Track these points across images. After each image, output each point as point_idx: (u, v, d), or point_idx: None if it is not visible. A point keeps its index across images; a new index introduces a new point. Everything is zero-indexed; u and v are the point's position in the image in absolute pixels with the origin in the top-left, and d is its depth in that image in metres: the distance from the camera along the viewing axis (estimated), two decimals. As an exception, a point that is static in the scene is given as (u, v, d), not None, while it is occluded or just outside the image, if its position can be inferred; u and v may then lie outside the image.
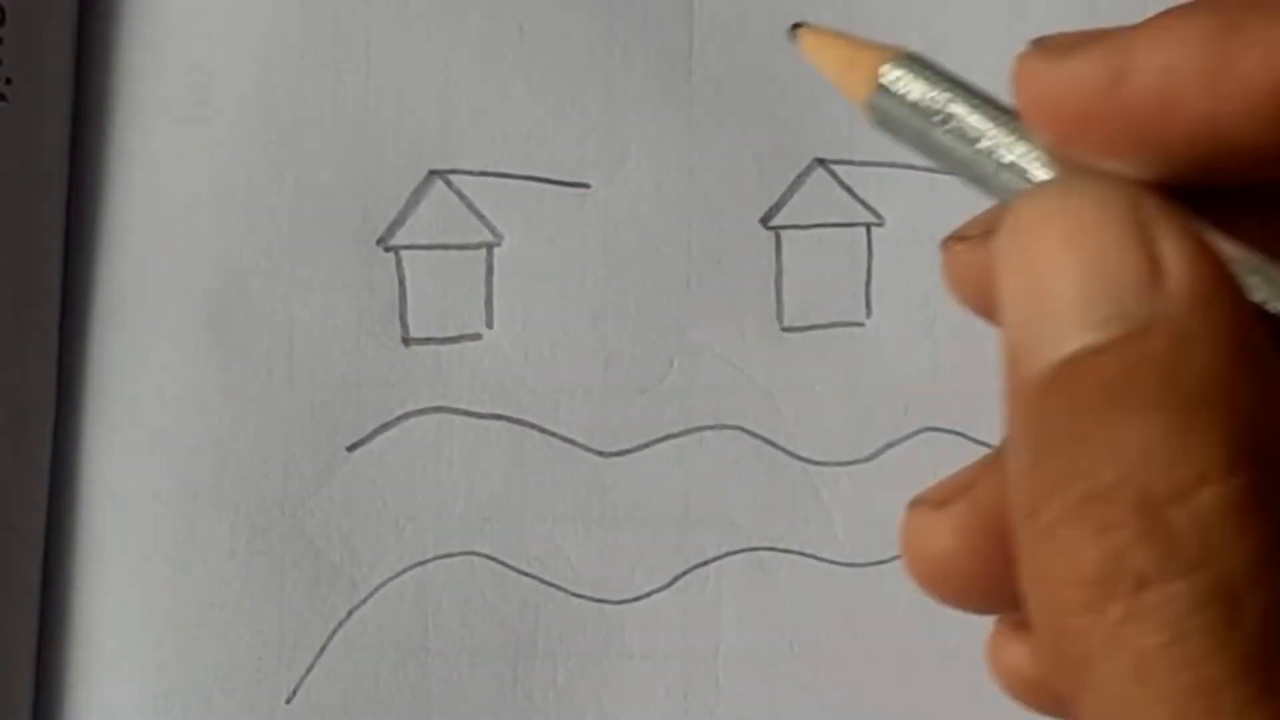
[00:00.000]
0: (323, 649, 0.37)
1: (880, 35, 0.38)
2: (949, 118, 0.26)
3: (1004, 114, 0.26)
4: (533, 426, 0.38)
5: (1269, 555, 0.21)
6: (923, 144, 0.26)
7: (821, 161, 0.39)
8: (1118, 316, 0.23)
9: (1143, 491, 0.21)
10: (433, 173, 0.39)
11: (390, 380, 0.38)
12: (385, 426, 0.38)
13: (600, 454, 0.38)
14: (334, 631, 0.37)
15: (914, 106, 0.27)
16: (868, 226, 0.39)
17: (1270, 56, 0.23)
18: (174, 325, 0.38)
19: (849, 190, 0.39)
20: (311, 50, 0.39)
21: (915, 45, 0.33)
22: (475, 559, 0.38)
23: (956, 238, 0.28)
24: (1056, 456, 0.22)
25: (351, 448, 0.38)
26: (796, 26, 0.29)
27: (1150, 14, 0.38)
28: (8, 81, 0.37)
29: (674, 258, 0.38)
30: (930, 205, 0.38)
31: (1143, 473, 0.21)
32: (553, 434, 0.38)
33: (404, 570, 0.38)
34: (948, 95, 0.26)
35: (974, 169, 0.26)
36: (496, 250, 0.39)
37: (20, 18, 0.37)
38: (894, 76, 0.27)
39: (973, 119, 0.26)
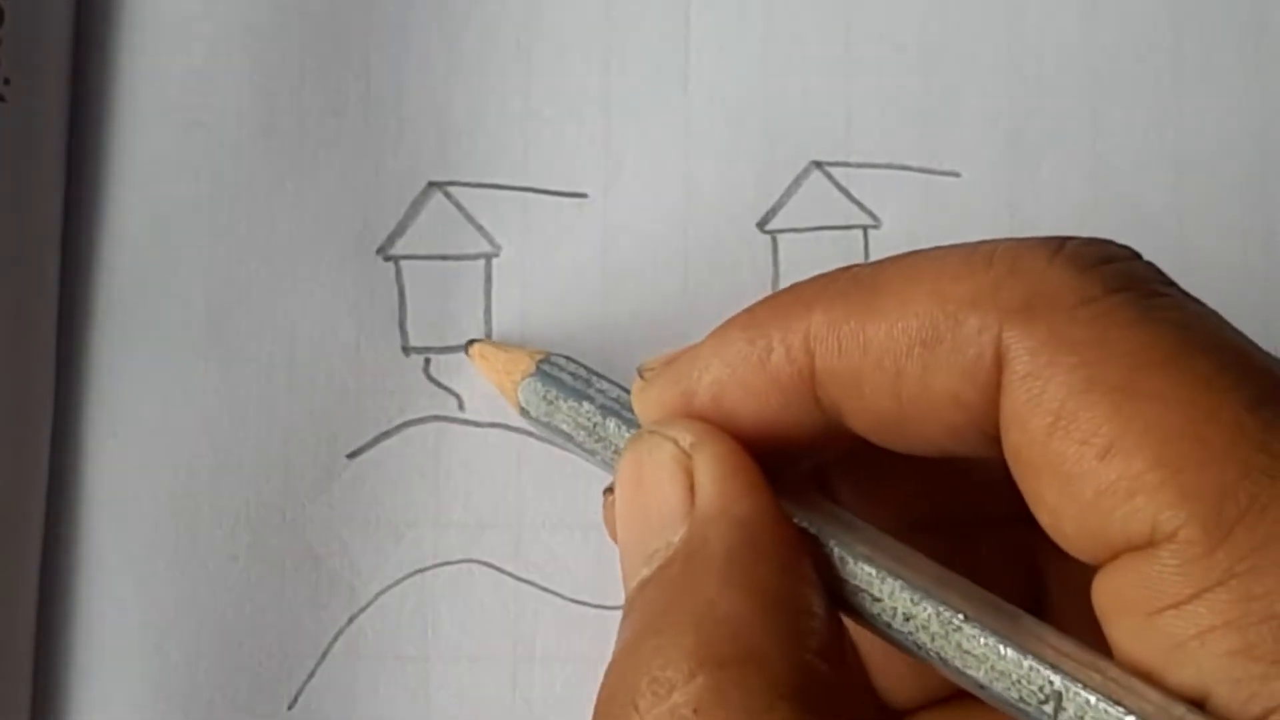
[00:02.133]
0: (323, 656, 0.37)
1: (880, 37, 0.39)
2: (557, 430, 0.34)
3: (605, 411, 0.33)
4: (531, 434, 0.38)
5: None
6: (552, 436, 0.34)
7: (818, 164, 0.39)
8: (663, 547, 0.27)
9: (635, 705, 0.25)
10: (431, 184, 0.39)
11: (390, 388, 0.38)
12: (385, 434, 0.38)
13: (599, 460, 0.38)
14: (334, 638, 0.37)
15: (535, 420, 0.35)
16: (864, 229, 0.39)
17: (789, 352, 0.28)
18: (174, 330, 0.38)
19: (845, 192, 0.39)
20: (311, 60, 0.39)
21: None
22: (474, 566, 0.38)
23: (607, 489, 0.32)
24: (606, 680, 0.26)
25: (352, 455, 0.38)
26: (470, 343, 0.38)
27: (1138, 21, 0.39)
28: (6, 82, 0.37)
29: (671, 264, 0.39)
30: (926, 207, 0.38)
31: (638, 688, 0.25)
32: (551, 442, 0.38)
33: (404, 577, 0.38)
34: (555, 415, 0.34)
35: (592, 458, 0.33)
36: (495, 260, 0.39)
37: (20, 18, 0.37)
38: (523, 397, 0.35)
39: (574, 430, 0.33)
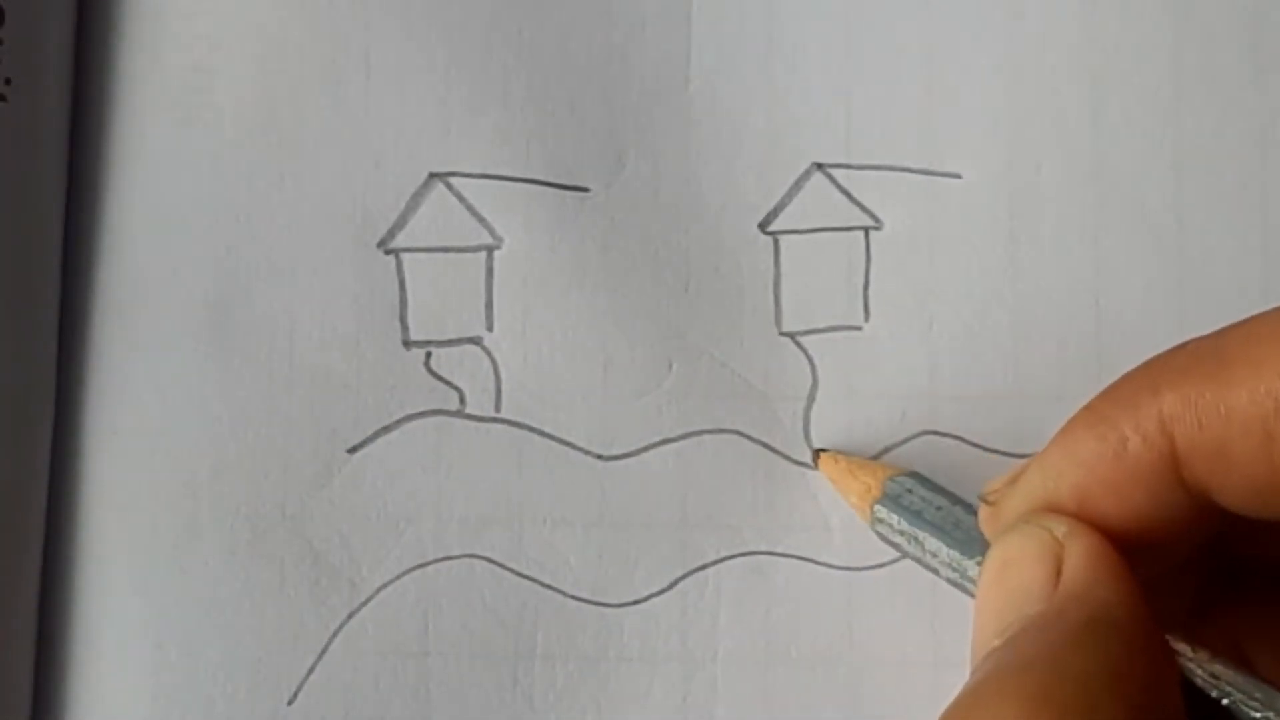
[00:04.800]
0: (323, 651, 0.37)
1: (879, 38, 0.39)
2: (923, 545, 0.33)
3: (970, 535, 0.33)
4: (532, 430, 0.38)
5: None
6: (910, 557, 0.34)
7: (819, 166, 0.39)
8: (1019, 620, 0.27)
9: None
10: (433, 175, 0.39)
11: (390, 383, 0.38)
12: (385, 429, 0.38)
13: (599, 457, 0.38)
14: (334, 634, 0.37)
15: (900, 534, 0.34)
16: (865, 230, 0.39)
17: (1146, 439, 0.27)
18: (174, 327, 0.38)
19: (847, 194, 0.39)
20: (312, 52, 0.39)
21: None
22: (475, 562, 0.38)
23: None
24: None
25: (352, 450, 0.38)
26: (818, 452, 0.38)
27: (1138, 21, 0.39)
28: (7, 81, 0.37)
29: (673, 262, 0.39)
30: (928, 208, 0.38)
31: None
32: (552, 437, 0.38)
33: (404, 573, 0.38)
34: (919, 530, 0.34)
35: (947, 576, 0.33)
36: (496, 253, 0.39)
37: (20, 18, 0.37)
38: (881, 513, 0.35)
39: (939, 546, 0.33)
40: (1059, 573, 0.27)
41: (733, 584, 0.38)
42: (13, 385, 0.37)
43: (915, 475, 0.35)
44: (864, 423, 0.38)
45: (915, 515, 0.34)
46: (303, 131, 0.39)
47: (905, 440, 0.38)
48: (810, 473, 0.38)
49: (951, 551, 0.33)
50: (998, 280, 0.38)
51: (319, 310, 0.38)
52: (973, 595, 0.31)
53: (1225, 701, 0.26)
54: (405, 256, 0.39)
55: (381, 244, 0.39)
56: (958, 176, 0.39)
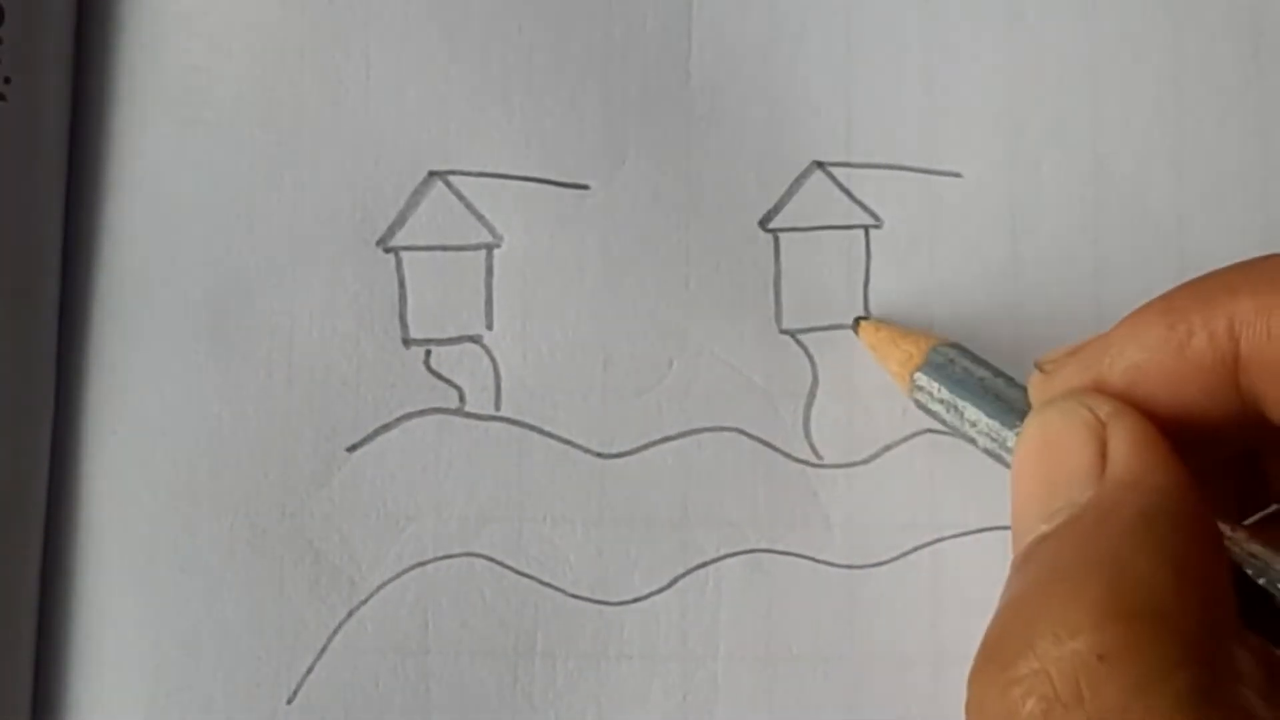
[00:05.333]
0: (323, 650, 0.37)
1: (879, 38, 0.39)
2: (962, 414, 0.34)
3: (1010, 406, 0.33)
4: (532, 428, 0.38)
5: (1137, 693, 0.23)
6: (947, 426, 0.35)
7: (819, 164, 0.39)
8: (1067, 506, 0.27)
9: (1034, 649, 0.24)
10: (432, 174, 0.39)
11: (390, 381, 0.38)
12: (385, 427, 0.38)
13: (599, 455, 0.38)
14: (334, 632, 0.37)
15: (939, 402, 0.35)
16: (866, 228, 0.39)
17: (1213, 338, 0.28)
18: (174, 326, 0.38)
19: (847, 192, 0.39)
20: (311, 51, 0.39)
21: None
22: (475, 560, 0.38)
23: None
24: (999, 622, 0.26)
25: (351, 448, 0.38)
26: (858, 320, 0.38)
27: (1138, 21, 0.39)
28: (7, 81, 0.37)
29: (673, 259, 0.39)
30: (928, 207, 0.38)
31: (1036, 630, 0.25)
32: (552, 435, 0.38)
33: (404, 571, 0.38)
34: (959, 398, 0.34)
35: (984, 446, 0.33)
36: (496, 251, 0.39)
37: (20, 18, 0.37)
38: (922, 380, 0.35)
39: (979, 415, 0.33)
40: (1103, 455, 0.27)
41: (733, 582, 0.38)
42: (13, 385, 0.37)
43: (957, 345, 0.35)
44: (864, 421, 0.38)
45: (956, 383, 0.34)
46: (303, 131, 0.39)
47: (905, 439, 0.38)
48: (810, 470, 0.38)
49: (991, 421, 0.33)
50: (998, 279, 0.38)
51: (319, 309, 0.38)
52: (1009, 466, 0.31)
53: (1261, 580, 0.27)
54: (405, 255, 0.39)
55: (381, 242, 0.39)
56: (958, 175, 0.39)
